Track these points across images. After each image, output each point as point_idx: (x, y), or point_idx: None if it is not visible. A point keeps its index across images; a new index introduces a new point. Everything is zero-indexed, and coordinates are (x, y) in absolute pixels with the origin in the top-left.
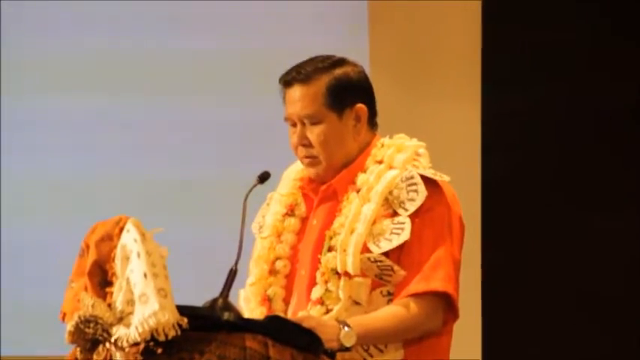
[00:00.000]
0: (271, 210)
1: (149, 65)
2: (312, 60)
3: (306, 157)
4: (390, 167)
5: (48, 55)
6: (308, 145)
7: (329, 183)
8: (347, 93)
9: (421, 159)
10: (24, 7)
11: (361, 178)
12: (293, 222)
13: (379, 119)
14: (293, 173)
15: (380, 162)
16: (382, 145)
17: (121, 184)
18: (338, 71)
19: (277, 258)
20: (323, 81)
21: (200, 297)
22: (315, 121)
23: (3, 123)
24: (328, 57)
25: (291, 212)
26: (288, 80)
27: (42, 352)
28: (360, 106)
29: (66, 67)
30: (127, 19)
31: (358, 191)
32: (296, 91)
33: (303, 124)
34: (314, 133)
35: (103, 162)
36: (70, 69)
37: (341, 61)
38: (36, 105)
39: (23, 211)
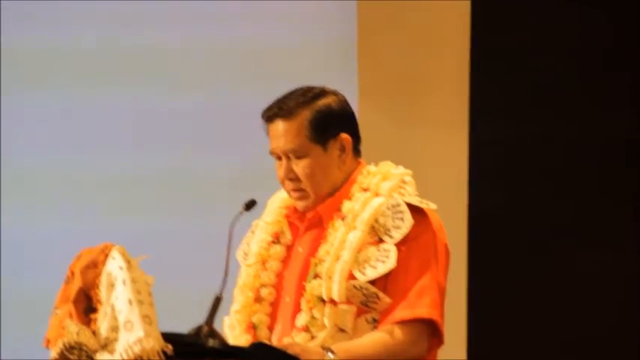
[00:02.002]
0: (256, 238)
1: (143, 61)
2: (292, 94)
3: (294, 190)
4: (376, 195)
5: (41, 51)
6: (294, 178)
7: (315, 211)
8: (330, 124)
9: (407, 187)
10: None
11: (347, 206)
12: (278, 249)
13: (367, 147)
14: (278, 201)
15: (366, 189)
16: (368, 173)
17: (111, 182)
18: (319, 103)
19: (262, 285)
20: (305, 115)
21: (185, 324)
22: (299, 155)
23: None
24: (309, 89)
25: (276, 240)
26: (270, 116)
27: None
28: (344, 136)
29: (56, 63)
30: (115, 16)
31: (344, 219)
32: (278, 127)
33: (289, 158)
34: (299, 167)
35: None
36: (60, 65)
37: (322, 93)
38: (30, 101)
39: (23, 210)
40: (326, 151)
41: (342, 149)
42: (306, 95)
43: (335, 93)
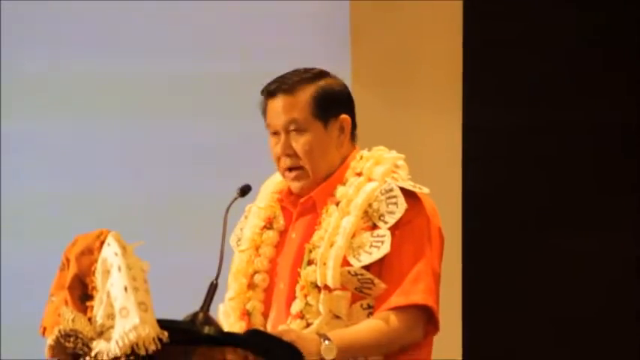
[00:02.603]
0: (249, 223)
1: (131, 89)
2: (294, 72)
3: (291, 168)
4: (369, 180)
5: (38, 76)
6: (292, 154)
7: (308, 196)
8: (332, 103)
9: (400, 171)
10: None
11: (340, 191)
12: (271, 235)
13: (360, 132)
14: (271, 186)
15: (359, 174)
16: (361, 158)
17: (101, 202)
18: (322, 82)
19: (256, 272)
20: (309, 90)
21: (181, 311)
22: (301, 128)
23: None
24: (310, 69)
25: (269, 225)
26: (271, 90)
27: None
28: (345, 117)
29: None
30: (110, 42)
31: (337, 204)
32: (279, 101)
33: (287, 133)
34: (299, 143)
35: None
36: (57, 91)
37: (323, 73)
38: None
39: (23, 230)
40: (326, 130)
41: (342, 130)
42: (309, 73)
43: (335, 77)
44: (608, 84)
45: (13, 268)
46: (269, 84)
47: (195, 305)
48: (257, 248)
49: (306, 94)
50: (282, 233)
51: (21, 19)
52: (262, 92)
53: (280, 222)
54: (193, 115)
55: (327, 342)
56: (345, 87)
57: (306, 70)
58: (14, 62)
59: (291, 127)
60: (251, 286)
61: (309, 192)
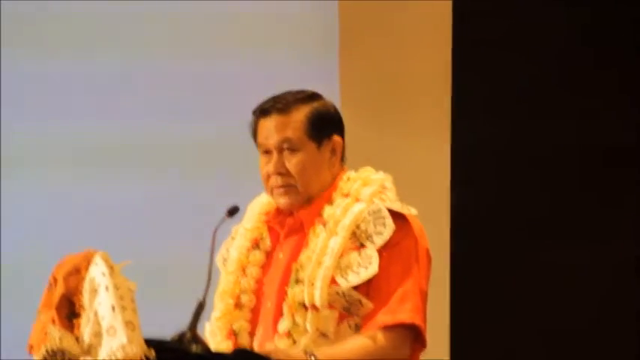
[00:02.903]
0: (236, 244)
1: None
2: (287, 93)
3: (282, 186)
4: (357, 200)
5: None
6: (285, 173)
7: (295, 216)
8: (326, 124)
9: (387, 192)
10: None
11: (327, 211)
12: (258, 255)
13: (348, 151)
14: (258, 206)
15: (346, 195)
16: (348, 179)
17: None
18: (315, 104)
19: (242, 292)
20: (303, 111)
21: (168, 329)
22: (294, 147)
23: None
24: (302, 91)
25: (255, 246)
26: (265, 109)
27: None
28: (337, 138)
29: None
30: None
31: (325, 224)
32: (273, 120)
33: (280, 152)
34: (292, 162)
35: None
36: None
37: (316, 95)
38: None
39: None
40: (319, 150)
41: (333, 152)
42: (302, 94)
43: (326, 100)
44: (602, 92)
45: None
46: (263, 103)
47: (181, 323)
48: (244, 269)
49: (301, 114)
50: (269, 254)
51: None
52: (255, 112)
53: (267, 243)
54: (177, 118)
55: (313, 359)
56: (337, 110)
57: (299, 92)
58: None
59: (285, 146)
60: (238, 306)
61: (296, 209)
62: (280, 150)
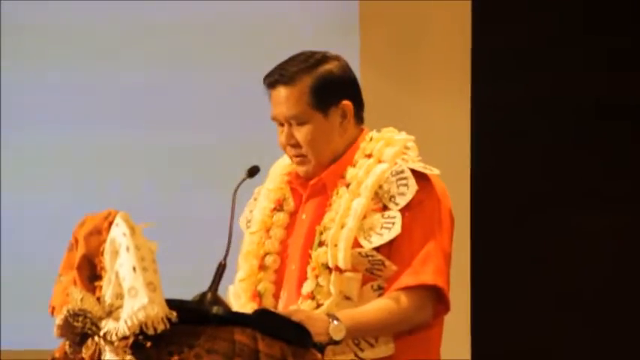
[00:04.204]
0: (259, 205)
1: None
2: (294, 59)
3: (295, 156)
4: (379, 161)
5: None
6: (295, 144)
7: (318, 177)
8: (331, 91)
9: (410, 152)
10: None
11: (350, 173)
12: (282, 217)
13: (368, 114)
14: (280, 168)
15: (369, 156)
16: (371, 139)
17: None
18: (321, 69)
19: (267, 253)
20: (306, 81)
21: (189, 291)
22: (300, 121)
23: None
24: (311, 55)
25: (279, 207)
26: (271, 82)
27: (37, 346)
28: (346, 102)
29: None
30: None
31: (348, 185)
32: (280, 93)
33: (290, 124)
34: (301, 133)
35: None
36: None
37: (324, 58)
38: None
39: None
40: (327, 118)
41: (344, 116)
42: (308, 61)
43: (337, 58)
44: (624, 59)
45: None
46: (269, 74)
47: (203, 285)
48: (267, 230)
49: (304, 85)
50: (292, 215)
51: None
52: (264, 82)
53: (290, 204)
54: (191, 114)
55: (335, 322)
56: (346, 69)
57: (306, 57)
58: None
59: (292, 121)
60: (262, 267)
61: (316, 175)
62: (289, 123)
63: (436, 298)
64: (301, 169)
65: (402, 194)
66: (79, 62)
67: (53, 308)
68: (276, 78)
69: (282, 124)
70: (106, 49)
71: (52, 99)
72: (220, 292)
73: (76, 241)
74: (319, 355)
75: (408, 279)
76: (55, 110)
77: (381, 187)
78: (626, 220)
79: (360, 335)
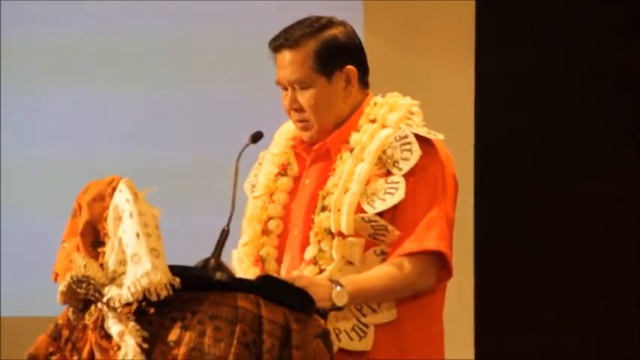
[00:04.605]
0: (263, 170)
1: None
2: (299, 23)
3: (299, 120)
4: (384, 126)
5: (42, 47)
6: (299, 109)
7: (322, 142)
8: (335, 56)
9: (414, 117)
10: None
11: (354, 138)
12: (285, 181)
13: (373, 79)
14: (285, 133)
15: (373, 121)
16: (375, 104)
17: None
18: (326, 34)
19: (270, 218)
20: (311, 45)
21: (192, 258)
22: (304, 85)
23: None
24: (316, 19)
25: (283, 172)
26: (276, 46)
27: (38, 313)
28: (350, 67)
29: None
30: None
31: (351, 150)
32: (285, 56)
33: (294, 88)
34: (304, 97)
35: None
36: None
37: (329, 23)
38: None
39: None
40: (331, 83)
41: (348, 81)
42: (313, 25)
43: (343, 24)
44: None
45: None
46: (275, 38)
47: (206, 251)
48: (271, 195)
49: (309, 49)
50: (296, 180)
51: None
52: (269, 46)
53: (294, 168)
54: (193, 82)
55: (338, 288)
56: (352, 35)
57: (312, 22)
58: None
59: (296, 85)
60: (265, 232)
61: (320, 140)
62: (293, 87)
63: (439, 263)
64: (305, 134)
65: (406, 159)
66: (70, 80)
67: (56, 274)
68: (281, 42)
69: (285, 88)
70: (96, 66)
71: (44, 116)
72: (224, 257)
73: (80, 207)
74: (322, 321)
75: (411, 245)
76: (49, 127)
77: (384, 152)
78: (631, 189)
79: (363, 301)
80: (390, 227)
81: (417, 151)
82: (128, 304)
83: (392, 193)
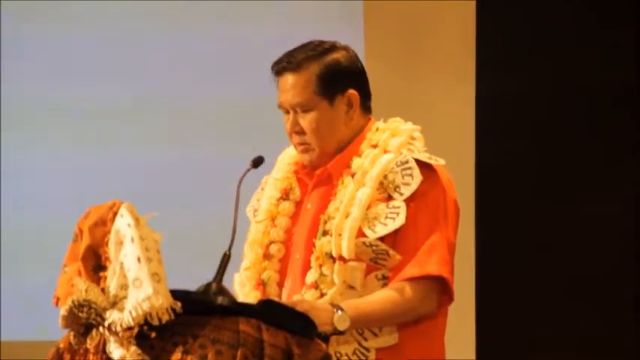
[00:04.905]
0: (266, 194)
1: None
2: (303, 47)
3: (300, 144)
4: (385, 151)
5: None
6: (300, 132)
7: (324, 167)
8: (338, 80)
9: (416, 143)
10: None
11: (356, 163)
12: (287, 206)
13: (374, 103)
14: (287, 157)
15: (375, 146)
16: (377, 129)
17: (116, 174)
18: (328, 58)
19: (271, 242)
20: (313, 69)
21: (194, 282)
22: (306, 109)
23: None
24: (319, 43)
25: (285, 196)
26: (279, 69)
27: (38, 337)
28: (352, 92)
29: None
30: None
31: (353, 175)
32: (287, 80)
33: (296, 111)
34: (306, 121)
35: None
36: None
37: (332, 48)
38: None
39: (23, 198)
40: (332, 106)
41: (350, 105)
42: (316, 49)
43: (346, 48)
44: (620, 46)
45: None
46: (277, 61)
47: (208, 275)
48: (273, 219)
49: (311, 72)
50: (298, 204)
51: None
52: (272, 69)
53: (296, 193)
54: (194, 85)
55: (340, 312)
56: (354, 59)
57: (315, 46)
58: None
59: (298, 108)
60: (267, 256)
61: (321, 165)
62: (295, 110)
63: (440, 288)
64: (305, 157)
65: (407, 184)
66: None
67: (58, 299)
68: (284, 65)
69: (287, 112)
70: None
71: (48, 112)
72: (226, 282)
73: (81, 231)
74: (323, 345)
75: (412, 269)
76: (55, 123)
77: (386, 177)
78: (630, 209)
79: (364, 325)
80: (391, 252)
81: (417, 176)
82: (130, 329)
83: (393, 217)
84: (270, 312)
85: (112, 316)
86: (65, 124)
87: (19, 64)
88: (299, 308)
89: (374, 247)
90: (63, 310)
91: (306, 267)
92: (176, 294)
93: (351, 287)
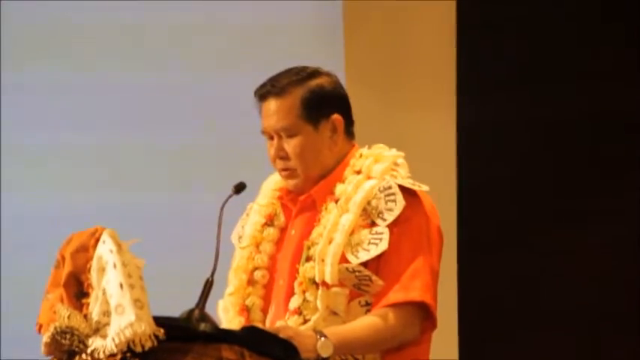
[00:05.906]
0: (250, 220)
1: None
2: (286, 72)
3: (284, 169)
4: (369, 177)
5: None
6: (285, 157)
7: (308, 193)
8: (322, 104)
9: (399, 169)
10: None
11: (339, 189)
12: (272, 232)
13: (356, 129)
14: (272, 184)
15: (358, 172)
16: (360, 156)
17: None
18: (312, 83)
19: (256, 268)
20: (297, 93)
21: (177, 308)
22: (290, 133)
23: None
24: (303, 69)
25: (270, 222)
26: (263, 94)
27: None
28: (336, 116)
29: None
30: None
31: (337, 201)
32: (271, 105)
33: (280, 136)
34: (290, 146)
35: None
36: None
37: (315, 73)
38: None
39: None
40: (317, 131)
41: (334, 130)
42: (300, 74)
43: (328, 74)
44: (602, 70)
45: None
46: (261, 87)
47: (190, 302)
48: (257, 245)
49: (295, 97)
50: (283, 230)
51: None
52: (255, 95)
53: (281, 219)
54: (187, 118)
55: (323, 339)
56: (337, 85)
57: (299, 71)
58: None
59: (282, 133)
60: (251, 282)
61: (305, 190)
62: (279, 135)
63: (423, 314)
64: (290, 183)
65: (390, 210)
66: (77, 63)
67: (40, 326)
68: (267, 89)
69: (271, 137)
70: (105, 50)
71: (50, 100)
72: (209, 308)
73: (63, 258)
74: None
75: (396, 295)
76: (55, 111)
77: (369, 203)
78: (619, 236)
79: (348, 352)
80: (374, 277)
81: (400, 202)
82: (112, 355)
83: (376, 243)
84: (253, 338)
85: (94, 342)
86: None
87: None
88: (282, 335)
89: (357, 273)
90: (45, 337)
91: (290, 293)
92: (158, 320)
93: (335, 313)
